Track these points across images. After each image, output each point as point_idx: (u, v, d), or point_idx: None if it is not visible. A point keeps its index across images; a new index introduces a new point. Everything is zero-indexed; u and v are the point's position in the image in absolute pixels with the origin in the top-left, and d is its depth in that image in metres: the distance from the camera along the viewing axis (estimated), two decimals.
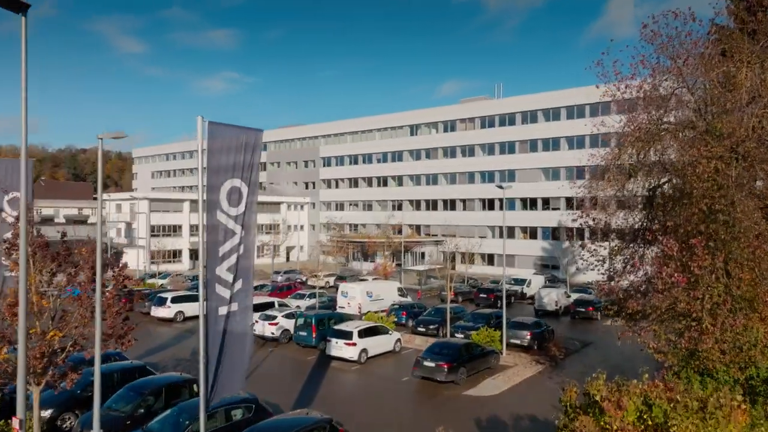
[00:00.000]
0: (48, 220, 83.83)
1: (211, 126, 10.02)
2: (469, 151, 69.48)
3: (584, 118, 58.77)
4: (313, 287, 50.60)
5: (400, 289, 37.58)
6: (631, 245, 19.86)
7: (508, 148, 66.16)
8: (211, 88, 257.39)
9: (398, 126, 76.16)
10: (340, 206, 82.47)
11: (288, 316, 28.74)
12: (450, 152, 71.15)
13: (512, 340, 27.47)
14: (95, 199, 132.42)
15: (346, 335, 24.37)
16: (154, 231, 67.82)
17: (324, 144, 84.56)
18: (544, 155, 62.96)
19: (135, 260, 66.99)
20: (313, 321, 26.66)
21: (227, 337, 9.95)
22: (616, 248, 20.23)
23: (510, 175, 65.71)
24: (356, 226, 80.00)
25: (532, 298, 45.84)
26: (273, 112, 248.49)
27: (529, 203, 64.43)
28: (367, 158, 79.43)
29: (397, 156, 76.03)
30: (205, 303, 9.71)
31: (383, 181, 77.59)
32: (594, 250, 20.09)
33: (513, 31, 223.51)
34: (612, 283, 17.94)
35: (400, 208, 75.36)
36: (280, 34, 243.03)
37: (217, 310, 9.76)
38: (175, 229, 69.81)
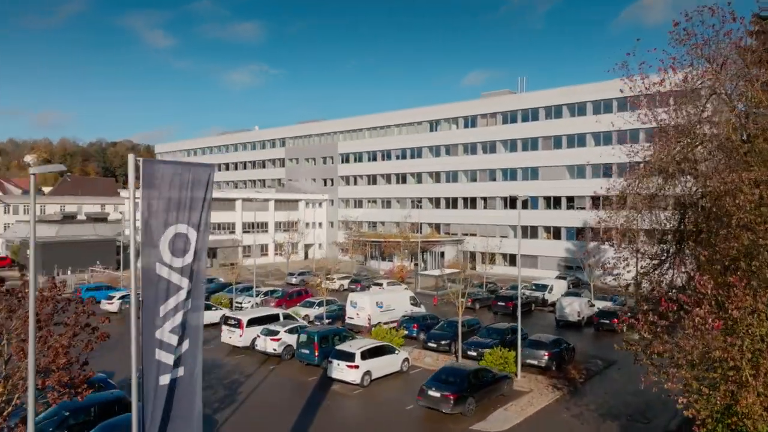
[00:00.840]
0: (70, 217, 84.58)
1: (148, 165, 8.51)
2: (490, 147, 67.11)
3: (611, 114, 56.08)
4: (328, 289, 49.40)
5: (413, 298, 35.90)
6: (659, 270, 17.83)
7: (530, 144, 63.61)
8: (238, 81, 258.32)
9: (417, 121, 74.11)
10: (358, 203, 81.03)
11: (291, 331, 27.39)
12: (471, 148, 68.89)
13: (528, 360, 25.60)
14: (120, 193, 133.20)
15: (348, 357, 22.86)
16: None
17: (342, 140, 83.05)
18: (569, 152, 60.27)
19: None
20: (316, 338, 25.23)
21: (173, 412, 8.41)
22: (642, 272, 18.22)
23: (533, 173, 63.27)
24: (374, 224, 78.48)
25: (553, 305, 43.71)
26: (297, 106, 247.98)
27: (553, 202, 61.89)
28: (386, 155, 77.66)
29: (417, 152, 74.08)
30: (138, 374, 8.13)
31: (402, 178, 75.77)
32: (616, 274, 18.09)
33: (541, 18, 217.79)
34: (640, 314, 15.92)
35: (419, 205, 73.49)
36: (305, 26, 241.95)
37: (157, 380, 8.25)
38: None
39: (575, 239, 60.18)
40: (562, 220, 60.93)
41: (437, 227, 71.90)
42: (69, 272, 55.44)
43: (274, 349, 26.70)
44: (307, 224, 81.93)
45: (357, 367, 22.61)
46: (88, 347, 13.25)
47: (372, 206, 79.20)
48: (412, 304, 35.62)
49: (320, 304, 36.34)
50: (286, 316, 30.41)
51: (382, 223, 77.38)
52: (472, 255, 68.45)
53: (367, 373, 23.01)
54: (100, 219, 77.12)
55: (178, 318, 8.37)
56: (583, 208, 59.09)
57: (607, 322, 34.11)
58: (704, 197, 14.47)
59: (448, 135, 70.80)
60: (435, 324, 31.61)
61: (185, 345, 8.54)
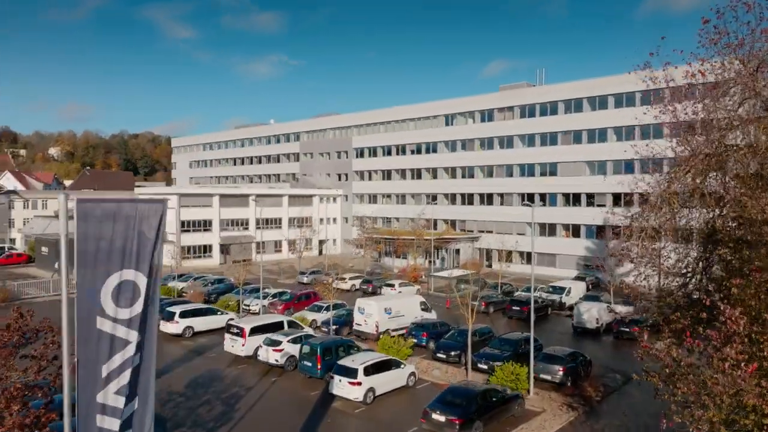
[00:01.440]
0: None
1: (83, 204, 7.42)
2: (507, 142, 65.25)
3: (634, 107, 53.89)
4: (339, 289, 48.43)
5: (423, 303, 34.66)
6: (683, 291, 16.33)
7: (549, 139, 61.59)
8: (258, 72, 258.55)
9: (433, 115, 72.45)
10: (372, 198, 79.85)
11: (294, 341, 26.43)
12: (487, 143, 67.10)
13: (542, 375, 24.26)
14: (139, 186, 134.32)
15: (350, 372, 21.80)
16: (185, 226, 67.19)
17: (357, 134, 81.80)
18: (590, 147, 58.15)
19: (166, 256, 66.70)
20: (319, 350, 24.22)
21: None
22: (665, 292, 16.73)
23: (551, 169, 61.32)
24: (389, 219, 77.31)
25: (571, 308, 42.13)
26: (315, 98, 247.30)
27: (572, 199, 59.92)
28: (401, 149, 76.22)
29: (432, 147, 72.51)
30: None
31: (417, 174, 74.34)
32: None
33: (563, 5, 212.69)
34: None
35: (434, 201, 72.04)
36: (325, 16, 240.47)
37: None
38: (205, 224, 69.00)
39: (595, 237, 58.22)
40: (581, 218, 58.98)
41: (453, 224, 70.43)
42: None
43: (276, 360, 25.78)
44: (321, 220, 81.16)
45: (359, 383, 21.54)
46: (55, 382, 12.25)
47: (387, 202, 78.00)
48: (422, 309, 34.42)
49: (329, 308, 35.42)
50: (291, 324, 29.47)
51: (397, 219, 76.15)
52: (488, 253, 66.93)
53: (371, 389, 21.93)
54: None
55: (126, 377, 7.32)
56: (604, 206, 57.04)
57: (627, 330, 32.47)
58: (736, 225, 12.98)
59: (464, 129, 69.07)
60: (445, 332, 30.41)
61: (133, 405, 7.50)
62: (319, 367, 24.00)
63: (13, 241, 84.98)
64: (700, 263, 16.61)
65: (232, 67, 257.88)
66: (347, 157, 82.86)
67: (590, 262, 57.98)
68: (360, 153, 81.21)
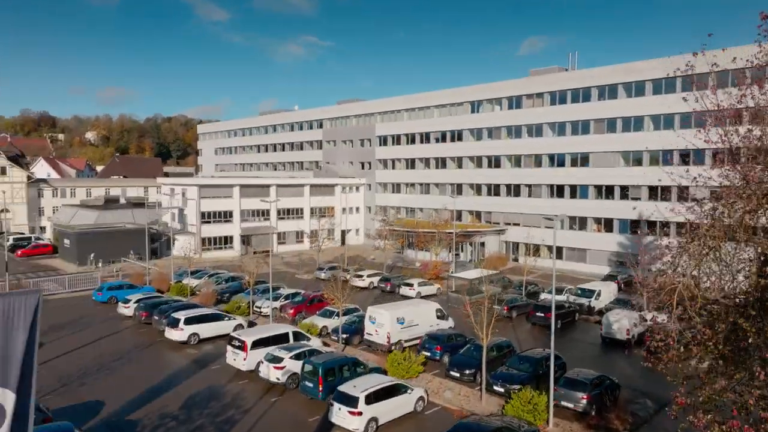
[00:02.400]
0: (113, 201, 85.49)
1: None
2: (536, 130, 61.97)
3: (674, 93, 50.09)
4: (357, 285, 46.82)
5: (439, 311, 32.66)
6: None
7: (581, 127, 58.11)
8: (290, 54, 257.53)
9: (458, 102, 69.50)
10: (396, 188, 77.74)
11: (298, 357, 24.89)
12: (515, 131, 63.94)
13: (564, 403, 22.11)
14: (167, 174, 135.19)
15: (350, 401, 20.09)
16: (205, 217, 66.54)
17: (380, 121, 79.46)
18: (625, 136, 54.54)
19: (187, 247, 66.24)
20: (320, 371, 22.60)
21: None
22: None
23: (583, 159, 57.96)
24: (412, 210, 75.17)
25: (601, 312, 39.51)
26: (345, 80, 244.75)
27: (605, 191, 56.55)
28: (425, 137, 73.62)
29: (457, 135, 69.70)
30: None
31: (442, 163, 71.74)
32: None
33: None
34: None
35: (459, 192, 69.53)
36: None
37: None
38: (225, 215, 68.23)
39: (629, 232, 54.92)
40: (614, 212, 55.67)
41: (478, 215, 67.87)
42: (100, 264, 55.34)
43: (278, 378, 24.29)
44: (344, 209, 79.59)
45: (360, 413, 19.84)
46: None
47: (410, 191, 75.76)
48: (438, 317, 32.44)
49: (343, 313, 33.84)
50: (297, 336, 27.93)
51: (420, 209, 73.94)
52: (515, 246, 64.26)
53: (373, 419, 20.22)
54: (139, 204, 77.26)
55: None
56: (639, 199, 53.68)
57: (663, 344, 29.73)
58: None
59: (491, 117, 65.98)
60: (462, 345, 28.40)
61: None
62: (320, 389, 22.39)
63: (43, 229, 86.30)
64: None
65: (263, 49, 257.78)
66: (370, 145, 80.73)
67: (623, 259, 54.90)
68: (383, 141, 78.94)
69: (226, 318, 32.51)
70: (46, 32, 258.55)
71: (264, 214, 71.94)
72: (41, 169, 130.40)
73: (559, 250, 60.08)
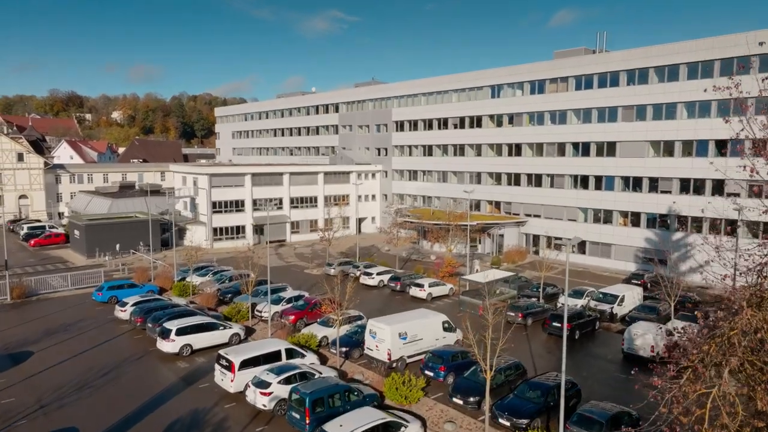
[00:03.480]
0: (128, 188, 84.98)
1: None
2: (560, 117, 58.43)
3: (711, 78, 46.12)
4: (366, 284, 44.89)
5: (446, 323, 30.43)
6: None
7: (608, 114, 54.41)
8: (316, 30, 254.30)
9: (477, 86, 66.09)
10: (413, 175, 75.17)
11: (286, 381, 23.10)
12: (537, 118, 60.47)
13: None
14: (186, 158, 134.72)
15: None
16: (216, 207, 65.22)
17: (397, 106, 76.54)
18: (655, 125, 50.80)
19: (199, 237, 65.29)
20: (308, 402, 20.74)
21: None
22: None
23: (609, 148, 54.40)
24: (429, 198, 72.63)
25: (623, 320, 36.84)
26: (370, 57, 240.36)
27: (632, 183, 53.07)
28: (443, 123, 70.59)
29: (476, 121, 66.49)
30: None
31: (460, 150, 68.75)
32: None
33: None
34: None
35: (478, 180, 66.65)
36: None
37: None
38: (237, 205, 66.79)
39: (657, 228, 51.54)
40: (642, 205, 52.26)
41: (497, 205, 65.00)
42: (107, 257, 54.55)
43: (264, 405, 22.56)
44: (359, 197, 77.47)
45: None
46: None
47: (428, 179, 73.10)
48: (445, 329, 30.27)
49: (346, 322, 32.01)
50: (290, 353, 26.11)
51: (438, 197, 71.35)
52: (535, 239, 61.37)
53: None
54: (153, 191, 76.38)
55: None
56: (669, 192, 50.16)
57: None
58: None
59: (512, 102, 62.52)
60: (469, 364, 26.18)
61: None
62: (307, 421, 20.57)
63: (61, 215, 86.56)
64: None
65: (289, 24, 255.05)
66: (387, 131, 78.03)
67: (650, 255, 51.72)
68: (400, 126, 76.13)
69: (221, 327, 30.91)
70: (77, 10, 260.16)
71: (277, 202, 70.32)
72: (64, 152, 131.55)
73: (582, 244, 57.08)
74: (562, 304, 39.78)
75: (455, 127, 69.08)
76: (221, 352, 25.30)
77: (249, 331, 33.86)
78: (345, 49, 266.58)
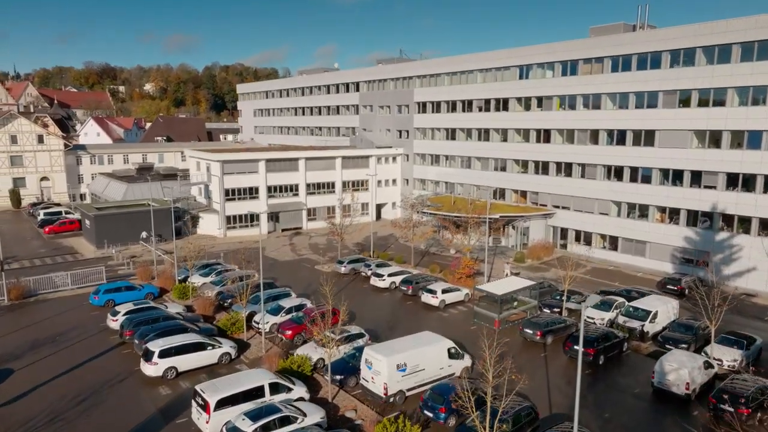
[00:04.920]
0: (146, 169, 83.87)
1: None
2: (593, 101, 53.53)
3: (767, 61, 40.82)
4: (376, 286, 42.18)
5: (452, 350, 27.41)
6: None
7: (647, 99, 49.33)
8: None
9: (504, 66, 61.30)
10: (435, 160, 71.39)
11: (264, 429, 20.68)
12: (569, 102, 55.65)
13: None
14: (210, 135, 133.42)
15: None
16: (229, 194, 63.15)
17: (419, 86, 72.31)
18: (700, 112, 45.65)
19: (212, 225, 63.60)
20: None
21: None
22: None
23: (647, 137, 49.53)
24: (452, 185, 68.91)
25: (655, 338, 33.13)
26: (404, 30, 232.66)
27: (672, 175, 48.29)
28: (467, 105, 66.23)
29: (502, 104, 61.96)
30: None
31: (485, 134, 64.49)
32: None
33: None
34: None
35: (503, 168, 62.53)
36: None
37: None
38: (251, 192, 64.58)
39: (698, 226, 46.90)
40: (682, 200, 47.58)
41: (523, 194, 60.91)
42: (114, 250, 53.24)
43: None
44: (379, 182, 74.27)
45: None
46: None
47: (450, 164, 69.24)
48: (451, 357, 27.30)
49: (350, 338, 29.54)
50: (275, 388, 23.65)
51: (461, 184, 67.58)
52: (563, 232, 57.31)
53: None
54: (170, 176, 74.93)
55: None
56: (714, 187, 45.33)
57: (731, 409, 23.49)
58: None
59: (542, 84, 57.69)
60: (476, 402, 23.19)
61: None
62: None
63: (83, 197, 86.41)
64: None
65: None
66: (408, 112, 74.06)
67: (690, 256, 47.37)
68: (422, 107, 72.05)
69: (210, 347, 28.71)
70: None
71: (293, 189, 67.86)
72: (91, 129, 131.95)
73: (614, 240, 52.87)
74: (587, 317, 36.27)
75: (480, 109, 64.68)
76: (197, 388, 23.01)
77: (243, 346, 31.67)
78: (376, 17, 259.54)
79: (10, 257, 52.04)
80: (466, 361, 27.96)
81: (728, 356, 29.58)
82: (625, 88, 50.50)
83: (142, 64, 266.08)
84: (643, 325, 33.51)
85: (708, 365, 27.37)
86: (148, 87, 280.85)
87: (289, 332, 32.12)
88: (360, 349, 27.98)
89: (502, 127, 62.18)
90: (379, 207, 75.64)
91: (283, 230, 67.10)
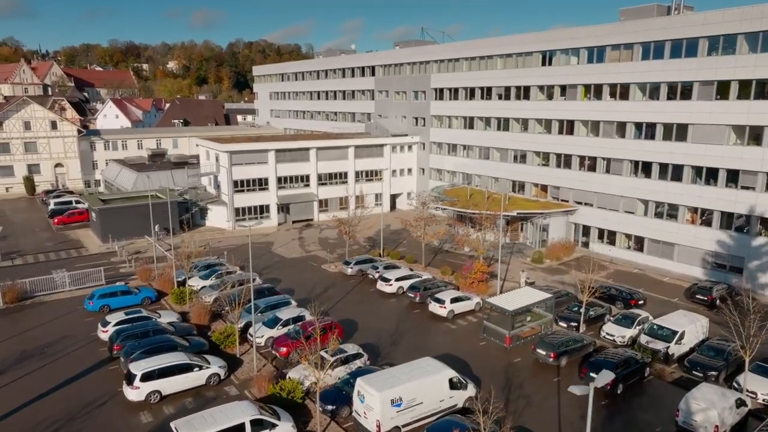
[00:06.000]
0: (158, 156, 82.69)
1: None
2: (621, 91, 49.72)
3: None
4: (383, 291, 40.01)
5: (454, 379, 25.12)
6: None
7: (681, 90, 45.43)
8: None
9: (526, 52, 57.51)
10: (452, 149, 68.32)
11: None
12: (594, 91, 51.91)
13: None
14: (227, 117, 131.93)
15: None
16: (238, 186, 61.35)
17: (436, 71, 68.91)
18: (739, 105, 41.70)
19: (220, 217, 62.08)
20: None
21: None
22: None
23: (679, 131, 45.78)
24: (469, 176, 65.91)
25: (681, 361, 30.34)
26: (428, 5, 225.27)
27: (705, 174, 44.59)
28: (486, 92, 62.76)
29: (524, 92, 58.36)
30: None
31: (504, 124, 61.10)
32: None
33: None
34: None
35: (523, 159, 59.27)
36: None
37: None
38: (260, 183, 62.67)
39: (733, 230, 43.33)
40: (715, 201, 43.96)
41: (543, 188, 57.68)
42: (117, 246, 52.11)
43: None
44: (394, 171, 71.70)
45: None
46: None
47: (468, 154, 66.13)
48: (453, 387, 25.02)
49: (349, 359, 27.63)
50: (257, 424, 21.80)
51: (478, 175, 64.55)
52: (585, 230, 54.10)
53: None
54: (181, 164, 73.53)
55: None
56: (752, 188, 41.61)
57: None
58: None
59: (565, 71, 53.91)
60: None
61: None
62: None
63: (98, 183, 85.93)
64: None
65: None
66: (425, 99, 70.85)
67: (723, 261, 43.97)
68: (439, 94, 68.76)
69: (197, 368, 27.01)
70: None
71: (303, 179, 65.76)
72: (110, 111, 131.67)
73: (640, 240, 49.59)
74: (606, 334, 33.60)
75: (500, 97, 61.19)
76: (173, 426, 21.28)
77: (236, 363, 29.97)
78: None
79: (15, 252, 51.47)
80: (470, 390, 25.67)
81: (764, 389, 26.70)
82: (656, 77, 46.57)
83: (167, 41, 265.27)
84: (668, 347, 30.68)
85: (740, 403, 24.59)
86: (171, 65, 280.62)
87: (283, 349, 30.25)
88: (355, 375, 25.93)
89: (522, 116, 58.70)
90: (393, 197, 73.23)
91: (293, 222, 65.25)
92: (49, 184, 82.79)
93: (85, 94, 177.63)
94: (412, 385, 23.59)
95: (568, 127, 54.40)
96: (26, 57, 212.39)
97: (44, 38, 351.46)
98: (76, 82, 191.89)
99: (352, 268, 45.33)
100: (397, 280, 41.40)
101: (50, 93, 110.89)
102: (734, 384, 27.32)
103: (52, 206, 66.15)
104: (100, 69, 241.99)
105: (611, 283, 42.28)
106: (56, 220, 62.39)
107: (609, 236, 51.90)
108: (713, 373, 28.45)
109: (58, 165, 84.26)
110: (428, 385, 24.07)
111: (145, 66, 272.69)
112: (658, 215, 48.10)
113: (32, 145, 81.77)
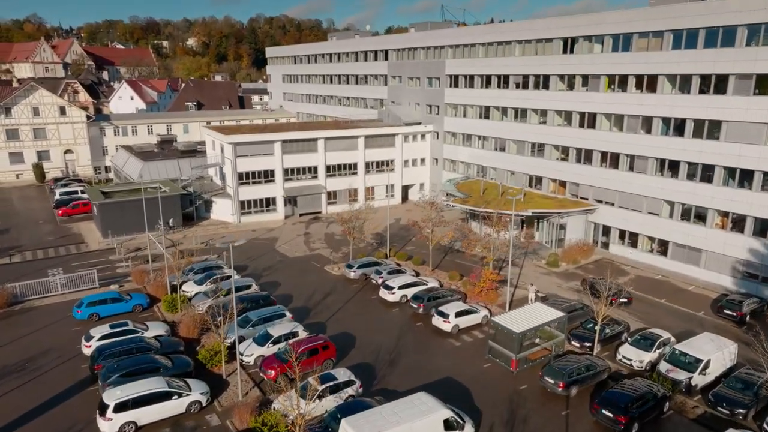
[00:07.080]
0: (167, 142, 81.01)
1: None
2: (648, 83, 45.94)
3: None
4: (385, 300, 37.80)
5: (451, 420, 22.80)
6: None
7: (714, 83, 41.55)
8: None
9: (546, 38, 53.69)
10: (466, 139, 65.16)
11: None
12: (619, 82, 48.19)
13: None
14: (241, 101, 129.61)
15: None
16: (243, 178, 59.37)
17: (451, 57, 65.37)
18: None
19: (225, 210, 60.35)
20: None
21: None
22: None
23: (711, 128, 42.08)
24: (484, 168, 62.83)
25: (705, 392, 27.64)
26: None
27: (739, 176, 40.99)
28: (503, 80, 59.22)
29: (543, 81, 54.74)
30: None
31: (522, 114, 57.65)
32: None
33: None
34: None
35: (541, 152, 55.98)
36: None
37: None
38: (266, 175, 60.59)
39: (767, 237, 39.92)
40: (749, 206, 40.43)
41: (562, 183, 54.45)
42: (116, 243, 50.74)
43: None
44: (406, 162, 68.93)
45: None
46: None
47: (484, 145, 62.92)
48: (449, 427, 22.79)
49: (340, 387, 25.69)
50: None
51: (494, 168, 61.45)
52: (605, 229, 50.94)
53: None
54: (188, 152, 71.74)
55: None
56: None
57: None
58: None
59: (588, 60, 50.13)
60: None
61: None
62: None
63: (108, 169, 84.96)
64: None
65: None
66: (439, 85, 67.50)
67: (754, 271, 40.67)
68: (454, 81, 65.33)
69: (175, 396, 25.28)
70: None
71: (311, 171, 63.48)
72: (125, 92, 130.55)
73: (664, 244, 46.35)
74: (623, 357, 30.95)
75: (517, 86, 57.64)
76: None
77: (221, 385, 28.22)
78: None
79: (15, 247, 50.55)
80: (468, 430, 23.44)
81: None
82: (688, 69, 42.70)
83: (188, 17, 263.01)
84: (690, 378, 27.94)
85: None
86: (191, 42, 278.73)
87: (271, 372, 28.31)
88: (344, 409, 23.92)
89: (541, 107, 55.17)
90: (406, 188, 70.60)
91: (301, 215, 63.25)
92: (59, 170, 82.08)
93: (103, 74, 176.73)
94: (401, 429, 21.42)
95: (589, 120, 50.84)
96: (48, 34, 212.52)
97: (67, 14, 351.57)
98: (96, 61, 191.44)
99: (355, 271, 43.18)
100: (401, 288, 39.09)
101: (69, 72, 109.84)
102: (765, 426, 24.58)
103: (57, 196, 65.20)
104: (121, 47, 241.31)
105: (596, 279, 40.04)
106: (60, 212, 61.40)
107: (630, 237, 48.73)
108: (741, 411, 25.71)
109: (67, 151, 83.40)
110: (420, 428, 21.88)
111: (165, 43, 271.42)
112: (685, 218, 44.71)
113: (41, 132, 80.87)
